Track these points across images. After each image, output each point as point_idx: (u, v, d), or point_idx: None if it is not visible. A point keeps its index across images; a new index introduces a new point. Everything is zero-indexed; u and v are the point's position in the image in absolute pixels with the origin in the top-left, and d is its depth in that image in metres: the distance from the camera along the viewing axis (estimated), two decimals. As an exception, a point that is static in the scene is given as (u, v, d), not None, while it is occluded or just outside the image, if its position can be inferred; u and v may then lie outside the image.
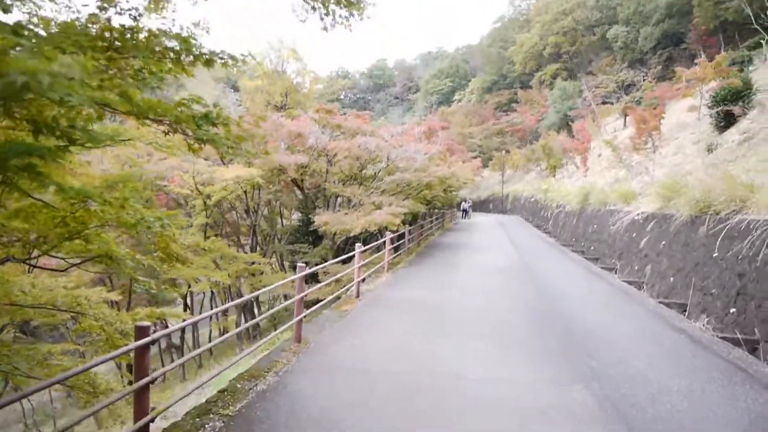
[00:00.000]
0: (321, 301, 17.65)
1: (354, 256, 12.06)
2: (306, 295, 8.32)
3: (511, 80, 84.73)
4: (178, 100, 4.62)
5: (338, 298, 12.38)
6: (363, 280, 13.43)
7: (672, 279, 12.17)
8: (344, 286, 16.13)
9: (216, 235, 26.25)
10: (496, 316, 10.10)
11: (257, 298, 22.87)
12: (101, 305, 8.72)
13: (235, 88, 76.83)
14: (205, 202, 17.40)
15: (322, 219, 16.70)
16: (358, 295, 11.95)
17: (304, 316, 8.43)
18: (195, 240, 9.60)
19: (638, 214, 16.06)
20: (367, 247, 13.40)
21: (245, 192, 20.53)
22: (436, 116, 76.96)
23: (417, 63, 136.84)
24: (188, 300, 25.14)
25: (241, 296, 20.58)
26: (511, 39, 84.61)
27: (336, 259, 13.68)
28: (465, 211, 44.14)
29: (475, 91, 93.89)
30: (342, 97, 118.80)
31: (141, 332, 4.39)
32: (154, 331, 4.73)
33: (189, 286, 19.55)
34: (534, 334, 8.91)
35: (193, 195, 17.85)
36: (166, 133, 4.79)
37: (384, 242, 15.67)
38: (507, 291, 12.80)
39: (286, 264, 28.77)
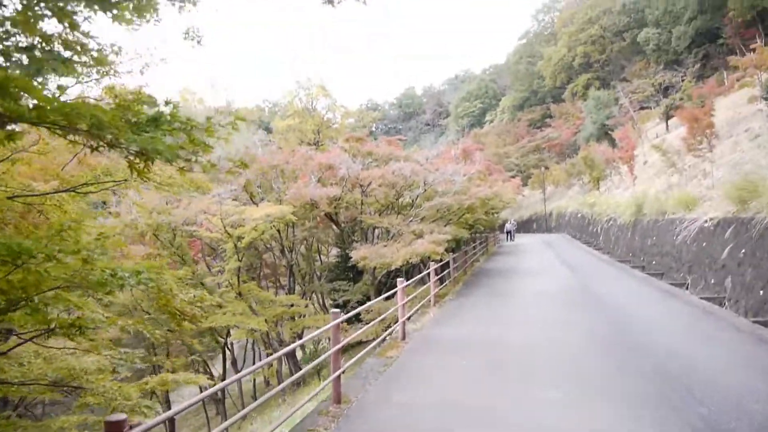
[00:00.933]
0: (364, 342, 16.39)
1: (396, 292, 10.84)
2: (343, 347, 7.17)
3: (542, 95, 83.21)
4: (117, 101, 3.51)
5: (384, 340, 11.17)
6: (408, 318, 12.22)
7: (762, 292, 10.60)
8: (388, 326, 14.93)
9: (252, 279, 25.41)
10: (562, 353, 8.73)
11: (299, 340, 21.76)
12: (104, 376, 7.67)
13: (268, 130, 77.28)
14: (235, 245, 16.51)
15: (359, 254, 15.58)
16: (404, 337, 10.72)
17: (344, 371, 7.26)
18: (200, 294, 8.51)
19: (707, 221, 14.48)
20: (409, 281, 12.20)
21: (279, 231, 19.61)
22: (469, 139, 75.75)
23: (445, 88, 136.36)
24: (230, 347, 24.22)
25: (281, 340, 19.52)
26: (538, 54, 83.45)
27: (377, 299, 12.51)
28: (509, 232, 42.46)
29: (507, 110, 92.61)
30: (374, 128, 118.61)
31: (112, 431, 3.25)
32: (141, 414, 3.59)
33: (227, 335, 18.57)
34: (614, 373, 7.52)
35: (223, 238, 17.01)
36: (94, 149, 3.64)
37: (428, 274, 14.47)
38: (570, 320, 11.37)
39: (329, 303, 27.70)
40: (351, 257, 16.96)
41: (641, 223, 21.74)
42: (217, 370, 25.84)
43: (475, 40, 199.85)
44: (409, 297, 13.59)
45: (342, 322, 7.07)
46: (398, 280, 10.65)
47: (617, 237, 26.42)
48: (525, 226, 57.16)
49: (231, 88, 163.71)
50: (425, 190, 18.02)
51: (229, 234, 16.04)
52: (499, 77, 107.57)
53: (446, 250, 17.92)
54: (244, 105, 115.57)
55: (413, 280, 13.82)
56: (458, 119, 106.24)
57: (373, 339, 18.30)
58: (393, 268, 15.60)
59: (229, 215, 15.88)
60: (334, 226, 20.80)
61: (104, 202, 25.80)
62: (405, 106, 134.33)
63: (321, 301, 27.62)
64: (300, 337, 19.62)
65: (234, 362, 26.86)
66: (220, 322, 17.17)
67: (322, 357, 7.09)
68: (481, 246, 30.14)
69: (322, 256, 29.51)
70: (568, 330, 10.35)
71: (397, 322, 11.02)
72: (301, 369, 20.16)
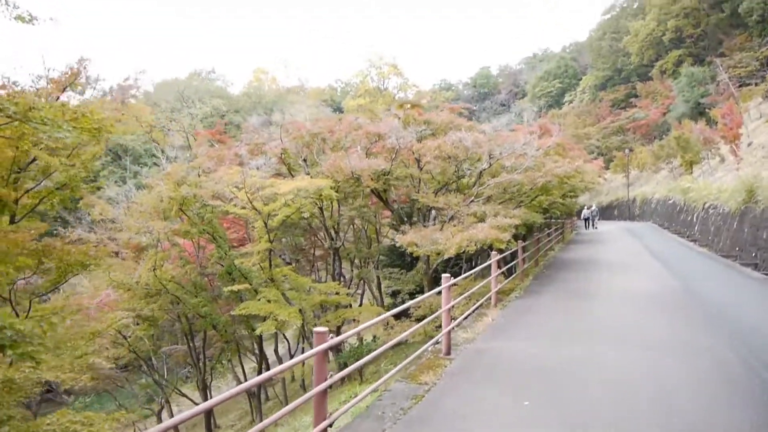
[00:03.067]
0: (411, 343, 13.80)
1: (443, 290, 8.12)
2: (331, 383, 4.61)
3: (627, 74, 77.28)
4: None
5: (435, 343, 8.53)
6: (459, 323, 9.56)
7: None
8: (440, 325, 12.30)
9: (297, 261, 23.26)
10: (688, 408, 5.83)
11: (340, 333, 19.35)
12: None
13: (339, 110, 75.71)
14: (266, 224, 14.23)
15: (406, 239, 12.95)
16: (448, 351, 8.06)
17: (332, 423, 4.71)
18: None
19: None
20: (460, 277, 9.46)
21: (321, 209, 17.24)
22: (546, 119, 71.24)
23: (522, 67, 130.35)
24: (284, 334, 22.15)
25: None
26: (623, 29, 77.37)
27: (427, 293, 9.90)
28: (587, 219, 38.36)
29: (587, 89, 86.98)
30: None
31: None
32: None
33: (253, 329, 16.40)
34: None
35: (251, 216, 14.79)
36: None
37: (490, 265, 11.71)
38: (685, 343, 8.26)
39: (383, 287, 25.19)
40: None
41: (753, 212, 18.06)
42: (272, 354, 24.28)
43: (555, 18, 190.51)
44: (464, 293, 10.90)
45: (327, 349, 4.49)
46: (443, 276, 7.95)
47: (718, 228, 22.64)
48: (605, 212, 52.86)
49: (304, 67, 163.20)
50: (490, 165, 15.04)
51: (257, 210, 13.73)
52: (580, 55, 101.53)
53: (514, 237, 15.06)
54: (316, 85, 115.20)
55: (471, 272, 11.08)
56: (535, 99, 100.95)
57: (424, 339, 15.72)
58: (446, 257, 12.91)
59: (256, 188, 13.55)
60: (385, 206, 18.21)
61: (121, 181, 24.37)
62: (479, 86, 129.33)
63: (378, 289, 25.13)
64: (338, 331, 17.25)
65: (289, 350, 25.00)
66: (251, 311, 15.03)
67: (301, 399, 4.48)
68: (557, 233, 26.89)
69: (381, 238, 27.00)
70: (686, 360, 7.28)
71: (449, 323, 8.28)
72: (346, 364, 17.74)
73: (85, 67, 11.00)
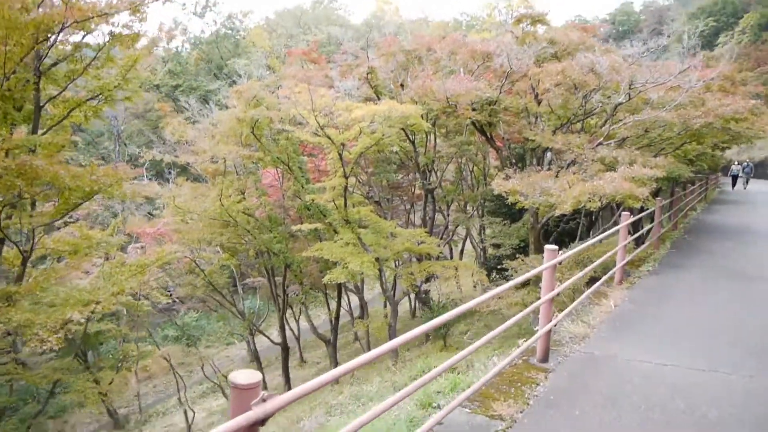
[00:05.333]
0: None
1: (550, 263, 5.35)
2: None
3: (801, 9, 66.30)
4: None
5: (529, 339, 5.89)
6: (567, 313, 6.82)
7: None
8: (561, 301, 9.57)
9: (389, 200, 20.94)
10: None
11: (425, 293, 16.83)
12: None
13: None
14: (340, 155, 11.86)
15: (507, 185, 10.06)
16: (544, 357, 5.41)
17: None
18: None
19: None
20: (569, 252, 6.51)
21: (413, 143, 14.63)
22: (697, 61, 62.84)
23: (670, 3, 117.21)
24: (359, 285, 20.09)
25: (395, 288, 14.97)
26: (805, -47, 65.96)
27: (518, 278, 7.20)
28: (736, 176, 32.76)
29: (748, 29, 75.70)
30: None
31: None
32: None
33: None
34: None
35: (326, 145, 12.42)
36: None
37: (618, 230, 8.71)
38: None
39: (486, 237, 22.36)
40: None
41: None
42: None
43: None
44: (578, 274, 8.04)
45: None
46: (546, 249, 5.23)
47: None
48: (756, 170, 45.82)
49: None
50: (629, 98, 11.53)
51: (329, 137, 11.35)
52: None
53: (652, 193, 11.75)
54: (440, 19, 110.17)
55: (588, 243, 8.16)
56: (683, 40, 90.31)
57: (522, 307, 13.00)
58: (558, 213, 9.98)
59: (328, 111, 11.11)
60: (490, 144, 15.18)
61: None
62: (618, 23, 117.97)
63: (480, 238, 22.30)
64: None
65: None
66: (324, 254, 12.99)
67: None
68: (701, 190, 22.65)
69: (489, 181, 23.98)
70: None
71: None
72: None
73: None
